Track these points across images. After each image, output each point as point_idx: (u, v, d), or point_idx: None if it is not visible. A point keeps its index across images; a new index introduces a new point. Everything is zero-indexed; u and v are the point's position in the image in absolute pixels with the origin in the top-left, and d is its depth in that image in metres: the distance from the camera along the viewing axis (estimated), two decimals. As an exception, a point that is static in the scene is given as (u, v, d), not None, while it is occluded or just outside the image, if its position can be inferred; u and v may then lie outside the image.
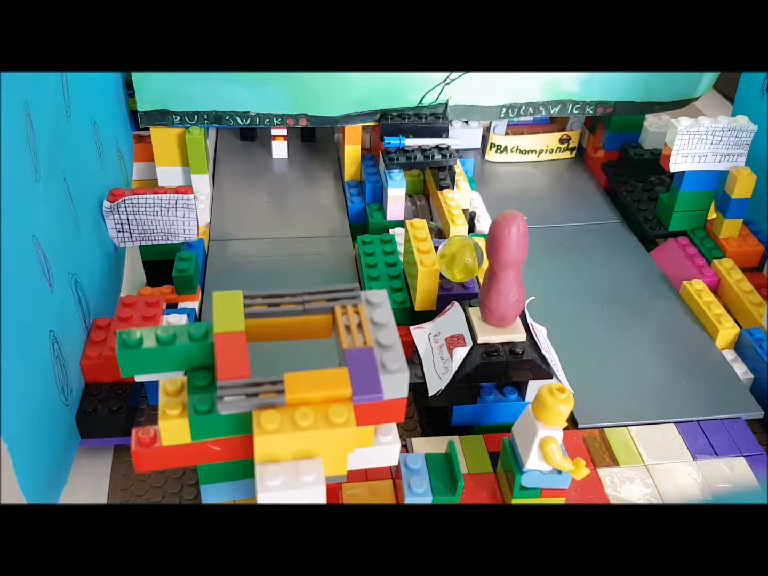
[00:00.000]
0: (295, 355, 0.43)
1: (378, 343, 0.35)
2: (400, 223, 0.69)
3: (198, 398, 0.34)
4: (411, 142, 0.70)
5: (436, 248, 0.56)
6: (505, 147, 0.82)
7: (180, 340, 0.36)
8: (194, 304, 0.59)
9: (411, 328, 0.55)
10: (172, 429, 0.34)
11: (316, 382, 0.34)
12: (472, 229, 0.70)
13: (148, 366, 0.36)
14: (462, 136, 0.76)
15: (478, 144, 0.79)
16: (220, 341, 0.35)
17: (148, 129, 0.71)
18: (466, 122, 0.78)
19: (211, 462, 0.36)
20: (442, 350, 0.50)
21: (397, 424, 0.53)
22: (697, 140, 0.64)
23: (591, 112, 0.77)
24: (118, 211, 0.59)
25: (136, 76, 0.67)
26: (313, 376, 0.34)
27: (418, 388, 0.55)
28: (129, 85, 0.70)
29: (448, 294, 0.56)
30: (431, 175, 0.71)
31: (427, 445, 0.50)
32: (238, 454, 0.35)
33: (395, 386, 0.34)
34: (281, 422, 0.33)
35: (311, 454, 0.34)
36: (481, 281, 0.52)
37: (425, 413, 0.54)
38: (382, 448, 0.37)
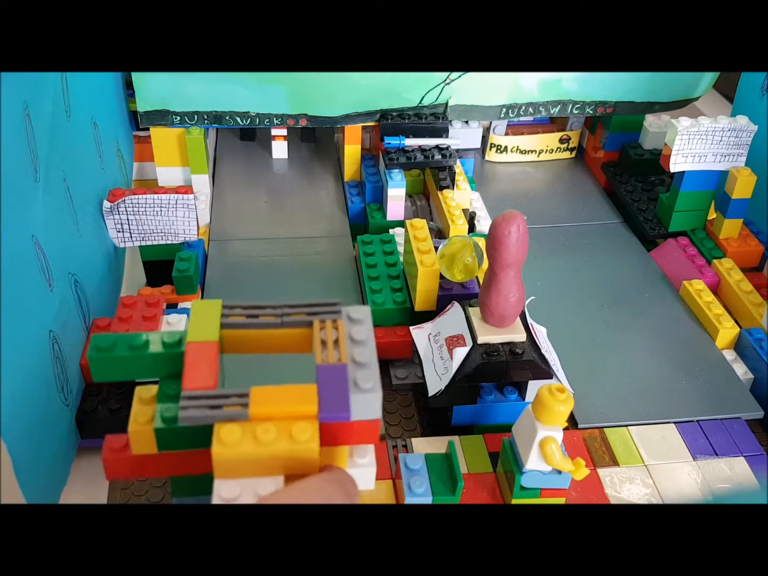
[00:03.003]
0: (283, 368, 0.40)
1: (353, 361, 0.34)
2: (400, 223, 0.69)
3: (165, 408, 0.33)
4: (411, 142, 0.70)
5: (436, 248, 0.56)
6: (505, 147, 0.82)
7: (153, 347, 0.35)
8: (194, 304, 0.59)
9: (411, 328, 0.55)
10: (141, 438, 0.33)
11: (283, 397, 0.32)
12: (472, 229, 0.70)
13: (120, 372, 0.35)
14: (462, 136, 0.76)
15: (478, 144, 0.79)
16: (191, 350, 0.34)
17: (148, 129, 0.71)
18: (466, 122, 0.78)
19: (183, 474, 0.35)
20: (442, 350, 0.50)
21: (397, 424, 0.53)
22: (697, 140, 0.64)
23: (591, 112, 0.77)
24: (118, 211, 0.59)
25: (136, 76, 0.67)
26: (280, 390, 0.33)
27: (418, 388, 0.55)
28: (129, 85, 0.70)
29: (448, 294, 0.56)
30: (431, 175, 0.71)
31: (427, 445, 0.50)
32: (207, 469, 0.33)
33: (366, 406, 0.33)
34: (242, 436, 0.31)
35: (274, 473, 0.32)
36: (481, 281, 0.52)
37: (425, 413, 0.54)
38: (356, 470, 0.36)
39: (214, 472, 0.32)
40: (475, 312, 0.50)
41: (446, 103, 0.72)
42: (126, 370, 0.35)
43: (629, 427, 0.52)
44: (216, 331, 0.35)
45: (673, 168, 0.66)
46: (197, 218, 0.62)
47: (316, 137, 0.84)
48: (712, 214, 0.69)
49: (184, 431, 0.33)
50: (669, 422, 0.52)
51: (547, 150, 0.83)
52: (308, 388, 0.33)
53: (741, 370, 0.57)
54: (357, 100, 0.70)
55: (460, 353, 0.48)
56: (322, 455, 0.33)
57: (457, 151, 0.73)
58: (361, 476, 0.36)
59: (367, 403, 0.33)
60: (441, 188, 0.68)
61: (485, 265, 0.50)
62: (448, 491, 0.43)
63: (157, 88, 0.67)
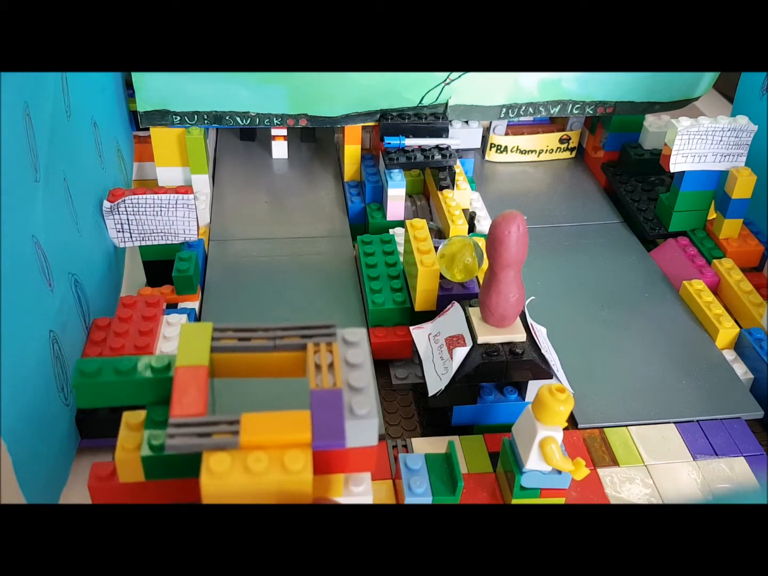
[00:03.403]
0: (276, 394, 0.39)
1: (349, 386, 0.33)
2: (400, 223, 0.69)
3: (152, 435, 0.33)
4: (411, 142, 0.70)
5: (436, 248, 0.56)
6: (505, 147, 0.82)
7: (141, 372, 0.34)
8: (194, 304, 0.59)
9: (411, 328, 0.55)
10: (128, 465, 0.32)
11: (275, 424, 0.31)
12: (472, 229, 0.70)
13: (107, 398, 0.35)
14: (462, 136, 0.76)
15: (478, 144, 0.79)
16: (180, 375, 0.33)
17: (148, 129, 0.71)
18: (466, 122, 0.78)
19: (174, 503, 0.34)
20: (442, 350, 0.50)
21: (397, 424, 0.53)
22: (697, 140, 0.64)
23: (591, 112, 0.77)
24: (118, 211, 0.59)
25: (136, 76, 0.67)
26: (273, 417, 0.32)
27: (418, 388, 0.55)
28: (129, 85, 0.70)
29: (448, 294, 0.56)
30: (431, 175, 0.71)
31: (427, 445, 0.50)
32: (197, 498, 0.32)
33: (362, 433, 0.32)
34: (231, 465, 0.30)
35: (266, 502, 0.31)
36: (481, 281, 0.52)
37: (425, 413, 0.54)
38: (352, 499, 0.35)
39: (203, 503, 0.31)
40: (475, 312, 0.50)
41: (446, 103, 0.72)
42: (113, 395, 0.34)
43: (629, 427, 0.52)
44: (206, 354, 0.34)
45: (673, 168, 0.66)
46: (197, 218, 0.62)
47: (316, 137, 0.84)
48: (712, 214, 0.69)
49: (172, 460, 0.32)
50: (669, 422, 0.52)
51: (547, 150, 0.83)
52: (301, 415, 0.32)
53: (741, 370, 0.57)
54: (357, 100, 0.70)
55: (460, 353, 0.48)
56: (316, 484, 0.32)
57: (457, 151, 0.73)
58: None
59: (363, 429, 0.32)
60: (441, 188, 0.68)
61: (485, 265, 0.50)
62: (448, 491, 0.43)
63: (157, 88, 0.67)
